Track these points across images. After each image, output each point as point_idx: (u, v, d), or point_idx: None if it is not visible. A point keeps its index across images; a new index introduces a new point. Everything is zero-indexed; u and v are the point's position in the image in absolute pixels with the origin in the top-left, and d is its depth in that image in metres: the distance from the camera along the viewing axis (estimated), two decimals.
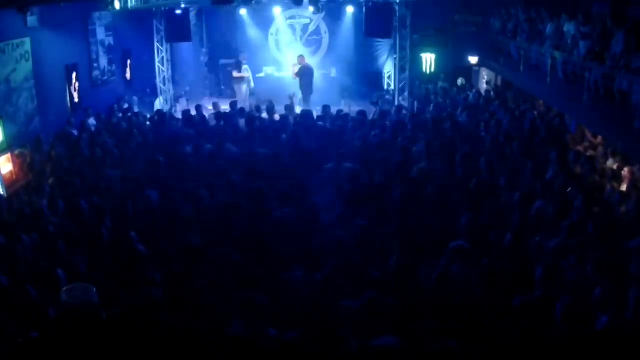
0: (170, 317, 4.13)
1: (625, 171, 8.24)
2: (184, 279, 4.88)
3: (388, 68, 16.91)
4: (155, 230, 6.18)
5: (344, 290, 4.74)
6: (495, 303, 4.62)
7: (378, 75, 17.20)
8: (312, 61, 16.06)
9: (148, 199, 7.06)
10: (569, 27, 11.23)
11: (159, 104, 15.00)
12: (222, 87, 17.06)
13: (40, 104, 11.06)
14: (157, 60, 15.17)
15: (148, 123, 12.05)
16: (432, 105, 13.93)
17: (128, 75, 15.34)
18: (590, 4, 11.20)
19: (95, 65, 13.64)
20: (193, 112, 11.87)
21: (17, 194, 8.20)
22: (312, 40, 17.13)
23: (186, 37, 14.98)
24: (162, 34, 14.89)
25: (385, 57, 17.09)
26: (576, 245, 5.53)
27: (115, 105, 13.66)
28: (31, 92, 10.81)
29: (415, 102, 14.72)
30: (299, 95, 14.56)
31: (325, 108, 11.68)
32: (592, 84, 9.68)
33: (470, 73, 17.75)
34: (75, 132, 11.00)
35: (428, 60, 17.06)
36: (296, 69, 14.88)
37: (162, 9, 14.40)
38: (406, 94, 15.06)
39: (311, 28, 17.06)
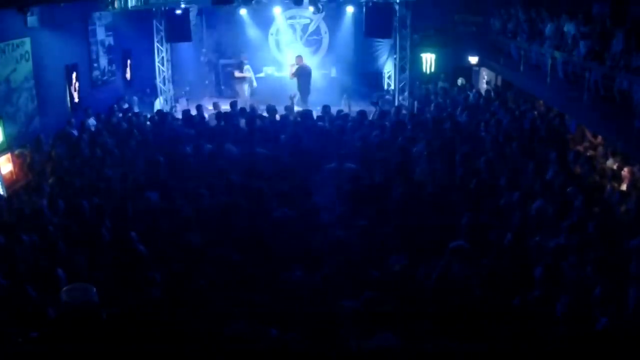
0: (170, 317, 4.13)
1: (625, 171, 8.23)
2: (184, 279, 4.88)
3: (388, 68, 16.91)
4: (155, 230, 6.18)
5: (344, 290, 4.74)
6: (495, 303, 4.62)
7: (378, 75, 17.19)
8: (312, 61, 16.08)
9: (148, 199, 7.07)
10: (569, 27, 11.23)
11: (159, 104, 14.99)
12: (222, 87, 17.06)
13: (40, 104, 11.06)
14: (157, 60, 15.17)
15: (148, 123, 12.05)
16: (432, 105, 13.92)
17: (128, 75, 15.33)
18: (590, 4, 11.18)
19: (95, 65, 13.64)
20: (193, 112, 11.87)
21: (17, 194, 8.20)
22: (312, 40, 17.12)
23: (186, 37, 14.98)
24: (162, 34, 14.89)
25: (385, 57, 17.08)
26: (576, 245, 5.53)
27: (115, 105, 13.65)
28: (31, 92, 10.80)
29: (415, 102, 14.72)
30: (298, 95, 14.57)
31: (325, 108, 11.69)
32: (592, 84, 9.68)
33: (470, 73, 17.74)
34: (75, 132, 11.00)
35: (428, 60, 17.05)
36: (294, 69, 14.89)
37: (162, 8, 14.40)
38: (406, 94, 15.06)
39: (311, 28, 17.06)
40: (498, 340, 4.03)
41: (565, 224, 6.03)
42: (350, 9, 15.81)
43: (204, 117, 11.73)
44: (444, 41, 17.09)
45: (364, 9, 14.10)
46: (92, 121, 11.89)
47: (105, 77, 14.10)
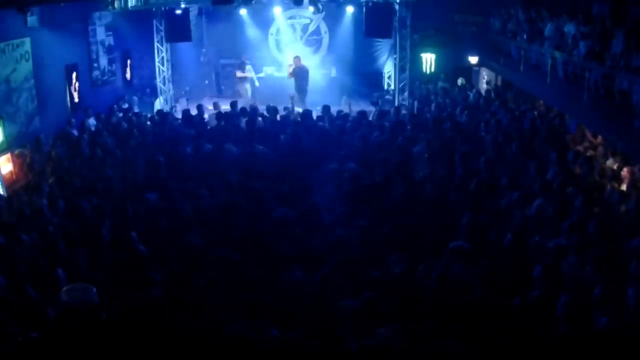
0: (170, 317, 4.13)
1: (625, 171, 8.23)
2: (184, 279, 4.88)
3: (388, 68, 16.90)
4: (156, 231, 6.18)
5: (344, 290, 4.74)
6: (495, 303, 4.62)
7: (378, 75, 17.19)
8: (312, 61, 16.07)
9: (148, 199, 7.06)
10: (569, 27, 11.23)
11: (159, 104, 14.99)
12: (222, 87, 17.07)
13: (40, 104, 11.07)
14: (157, 60, 15.15)
15: (148, 123, 12.05)
16: (432, 105, 13.93)
17: (128, 75, 15.34)
18: (590, 4, 11.19)
19: (95, 65, 13.64)
20: (193, 112, 11.87)
21: (17, 194, 8.20)
22: (312, 40, 17.11)
23: (186, 37, 14.96)
24: (162, 33, 14.88)
25: (385, 57, 17.08)
26: (576, 245, 5.53)
27: (115, 105, 13.66)
28: (31, 92, 10.81)
29: (415, 102, 14.72)
30: (296, 95, 14.57)
31: (325, 108, 11.68)
32: (592, 84, 9.68)
33: (470, 73, 17.75)
34: (76, 132, 11.00)
35: (428, 60, 17.05)
36: (291, 70, 14.90)
37: (162, 8, 14.38)
38: (406, 94, 15.05)
39: (311, 28, 17.05)
40: (498, 340, 4.03)
41: (565, 224, 6.03)
42: (350, 9, 15.79)
43: (204, 117, 11.71)
44: (444, 41, 17.09)
45: (364, 9, 14.08)
46: (92, 121, 11.90)
47: (105, 77, 14.10)
